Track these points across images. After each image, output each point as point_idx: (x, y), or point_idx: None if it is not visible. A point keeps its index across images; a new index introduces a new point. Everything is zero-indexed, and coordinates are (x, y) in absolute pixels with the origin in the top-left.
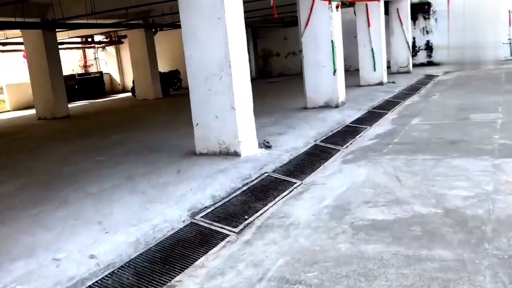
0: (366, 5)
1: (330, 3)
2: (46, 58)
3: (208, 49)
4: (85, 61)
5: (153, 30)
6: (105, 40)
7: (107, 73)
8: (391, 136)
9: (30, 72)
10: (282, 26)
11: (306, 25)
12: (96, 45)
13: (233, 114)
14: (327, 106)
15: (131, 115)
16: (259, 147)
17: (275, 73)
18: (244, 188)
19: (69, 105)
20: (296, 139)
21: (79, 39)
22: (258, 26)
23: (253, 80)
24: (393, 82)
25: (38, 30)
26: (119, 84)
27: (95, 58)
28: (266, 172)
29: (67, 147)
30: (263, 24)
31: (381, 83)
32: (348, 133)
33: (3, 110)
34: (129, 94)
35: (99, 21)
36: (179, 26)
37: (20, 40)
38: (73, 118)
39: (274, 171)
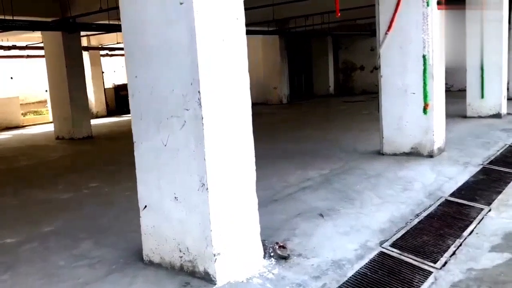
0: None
1: None
2: (66, 67)
3: (161, 65)
4: None
5: None
6: None
7: None
8: None
9: (48, 83)
10: (368, 35)
11: (388, 29)
12: None
13: (204, 198)
14: (414, 153)
15: None
16: (265, 257)
17: (358, 90)
18: None
19: (114, 119)
20: (347, 235)
21: None
22: (339, 35)
23: (329, 97)
24: None
25: (56, 32)
26: None
27: None
28: None
29: (4, 201)
30: (346, 32)
31: (498, 115)
32: (447, 221)
33: (42, 121)
34: None
35: None
36: (246, 33)
37: None
38: (92, 141)
39: None
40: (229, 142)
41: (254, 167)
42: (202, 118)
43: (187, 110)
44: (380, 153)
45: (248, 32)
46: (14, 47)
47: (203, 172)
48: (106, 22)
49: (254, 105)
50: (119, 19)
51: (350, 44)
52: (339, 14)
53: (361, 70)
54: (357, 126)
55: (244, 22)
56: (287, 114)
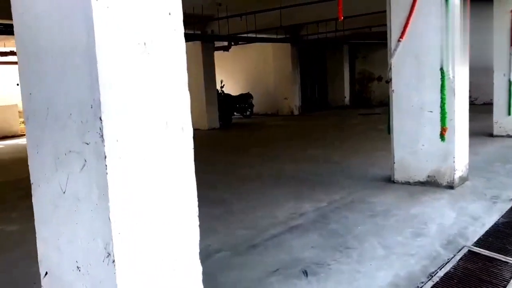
0: None
1: None
2: None
3: (57, 78)
4: None
5: (212, 43)
6: None
7: None
8: None
9: None
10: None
11: (402, 36)
12: None
13: (110, 273)
14: (431, 183)
15: None
16: None
17: (375, 101)
18: None
19: None
20: None
21: None
22: (356, 43)
23: (344, 108)
24: None
25: None
26: None
27: None
28: None
29: None
30: (363, 40)
31: None
32: (471, 285)
33: None
34: None
35: None
36: (254, 40)
37: None
38: None
39: None
40: (151, 193)
41: (197, 224)
42: (105, 157)
43: (87, 144)
44: (391, 181)
45: (257, 40)
46: (12, 53)
47: (108, 237)
48: None
49: (263, 116)
50: None
51: (367, 53)
52: (342, 17)
53: (379, 81)
54: (369, 145)
55: (182, 18)
56: (295, 128)
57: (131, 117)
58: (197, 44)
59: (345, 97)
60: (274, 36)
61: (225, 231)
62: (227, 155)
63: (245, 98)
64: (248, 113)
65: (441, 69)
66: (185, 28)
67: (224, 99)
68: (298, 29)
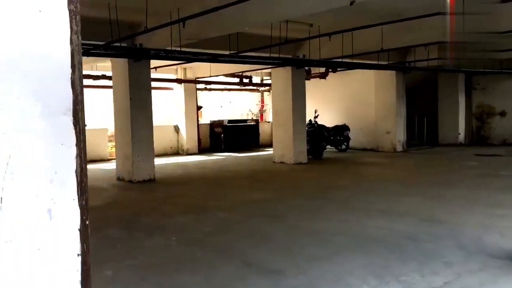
0: None
1: None
2: (130, 99)
3: None
4: (262, 106)
5: (306, 69)
6: (267, 81)
7: (269, 122)
8: None
9: (114, 115)
10: None
11: None
12: (260, 88)
13: None
14: None
15: (202, 200)
16: None
17: (496, 140)
18: None
19: (202, 158)
20: None
21: (231, 79)
22: (474, 72)
23: (457, 147)
24: None
25: (124, 59)
26: None
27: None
28: None
29: None
30: (483, 69)
31: None
32: None
33: None
34: None
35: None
36: (351, 65)
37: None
38: (148, 186)
39: None
40: None
41: None
42: None
43: None
44: None
45: (354, 65)
46: (104, 77)
47: None
48: (178, 48)
49: (360, 151)
50: (192, 45)
51: (488, 84)
52: (454, 35)
53: (502, 116)
54: (487, 198)
55: (74, 21)
56: (395, 168)
57: None
58: (287, 70)
59: (459, 134)
60: (375, 62)
61: None
62: (303, 199)
63: (340, 130)
64: (343, 147)
65: None
66: (272, 51)
67: (316, 130)
68: (404, 54)
